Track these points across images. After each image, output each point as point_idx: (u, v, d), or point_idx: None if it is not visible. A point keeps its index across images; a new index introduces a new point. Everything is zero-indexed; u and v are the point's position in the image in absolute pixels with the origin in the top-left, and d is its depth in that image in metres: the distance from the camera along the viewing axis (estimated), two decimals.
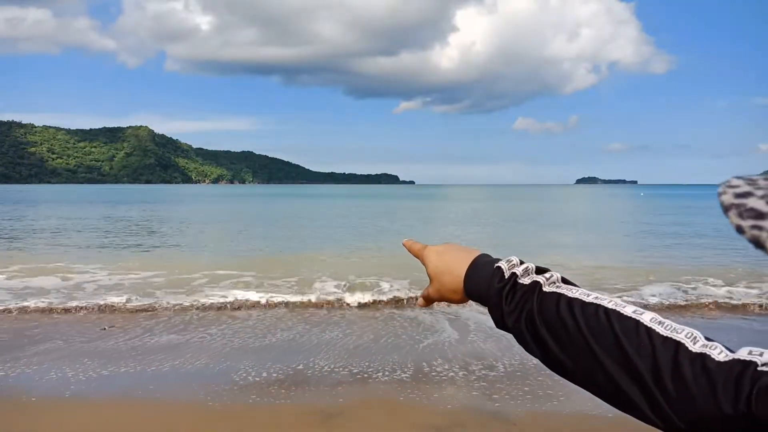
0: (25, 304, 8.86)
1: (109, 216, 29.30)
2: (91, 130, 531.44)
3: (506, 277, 0.80)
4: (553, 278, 0.78)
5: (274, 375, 5.60)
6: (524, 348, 0.77)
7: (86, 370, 5.66)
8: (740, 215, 0.53)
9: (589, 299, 0.71)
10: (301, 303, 9.04)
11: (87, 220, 26.87)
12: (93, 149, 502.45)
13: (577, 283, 0.78)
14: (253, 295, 9.51)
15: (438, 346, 6.64)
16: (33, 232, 22.21)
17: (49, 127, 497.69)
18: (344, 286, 10.27)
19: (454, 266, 0.87)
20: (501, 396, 5.04)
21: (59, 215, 31.35)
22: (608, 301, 0.70)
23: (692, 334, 0.61)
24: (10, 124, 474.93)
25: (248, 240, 20.02)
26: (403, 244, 1.01)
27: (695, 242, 19.15)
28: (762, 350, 0.57)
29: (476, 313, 8.49)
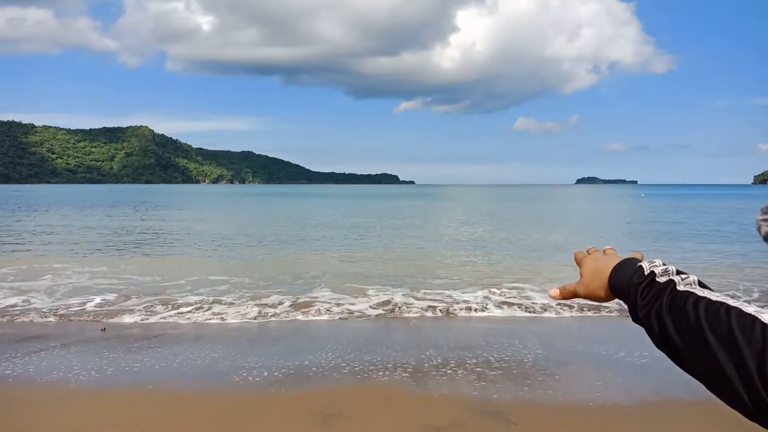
0: (27, 306, 8.87)
1: (122, 226, 29.28)
2: (91, 130, 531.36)
3: (645, 274, 0.87)
4: (689, 279, 0.83)
5: (274, 375, 5.60)
6: (652, 340, 0.83)
7: (88, 368, 5.66)
8: None
9: (717, 298, 0.75)
10: (304, 303, 9.04)
11: (102, 232, 26.82)
12: (93, 149, 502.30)
13: (713, 288, 0.81)
14: (253, 297, 9.51)
15: (438, 347, 6.64)
16: (38, 241, 22.19)
17: (50, 126, 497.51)
18: (346, 287, 10.26)
19: (605, 268, 0.97)
20: (501, 396, 5.04)
21: (65, 224, 31.27)
22: (734, 301, 0.73)
23: None
24: (11, 124, 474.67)
25: (259, 239, 20.01)
26: (574, 255, 1.10)
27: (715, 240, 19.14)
28: None
29: (475, 314, 8.49)
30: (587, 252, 1.08)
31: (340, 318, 8.16)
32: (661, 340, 0.80)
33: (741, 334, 0.66)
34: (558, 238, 21.09)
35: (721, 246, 17.78)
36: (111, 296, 9.48)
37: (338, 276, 11.70)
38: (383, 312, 8.51)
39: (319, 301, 9.13)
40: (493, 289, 10.16)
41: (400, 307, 8.77)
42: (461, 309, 8.70)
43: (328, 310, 8.54)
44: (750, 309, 0.70)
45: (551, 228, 26.04)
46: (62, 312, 8.32)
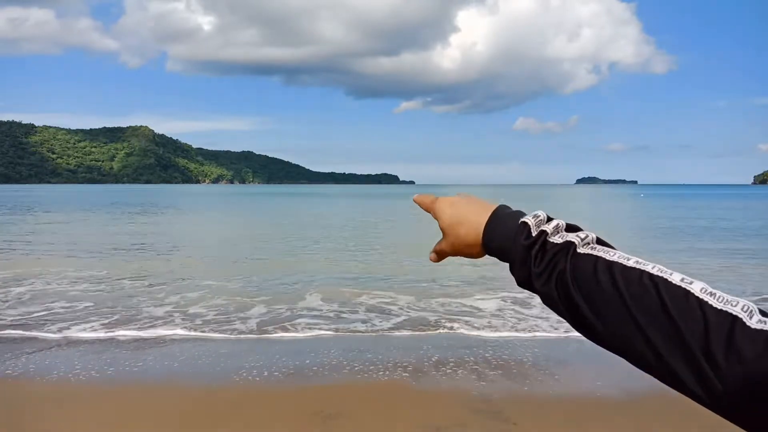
0: (28, 308, 8.87)
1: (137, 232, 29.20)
2: (91, 130, 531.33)
3: (533, 234, 0.73)
4: (588, 239, 0.71)
5: (274, 375, 5.61)
6: (552, 309, 0.71)
7: (90, 368, 5.67)
8: None
9: (630, 263, 0.65)
10: (305, 305, 9.04)
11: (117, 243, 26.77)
12: (93, 149, 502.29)
13: (613, 245, 0.71)
14: (252, 296, 9.51)
15: (437, 346, 6.65)
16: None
17: (50, 126, 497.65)
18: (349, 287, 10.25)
19: (472, 217, 0.81)
20: (501, 396, 5.05)
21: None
22: (652, 267, 0.64)
23: (748, 308, 0.56)
24: (11, 124, 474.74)
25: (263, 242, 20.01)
26: (414, 200, 0.93)
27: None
28: None
29: (474, 312, 8.49)
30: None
31: (340, 317, 8.15)
32: (568, 313, 0.69)
33: (676, 311, 0.58)
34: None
35: (720, 246, 17.78)
36: (111, 298, 9.48)
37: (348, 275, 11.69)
38: (384, 312, 8.51)
39: (314, 316, 9.13)
40: (494, 290, 10.16)
41: (401, 308, 8.77)
42: (461, 308, 8.71)
43: (328, 310, 8.54)
44: (675, 278, 0.61)
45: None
46: (63, 312, 8.33)
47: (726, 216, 34.47)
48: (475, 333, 7.30)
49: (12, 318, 7.93)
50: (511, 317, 8.27)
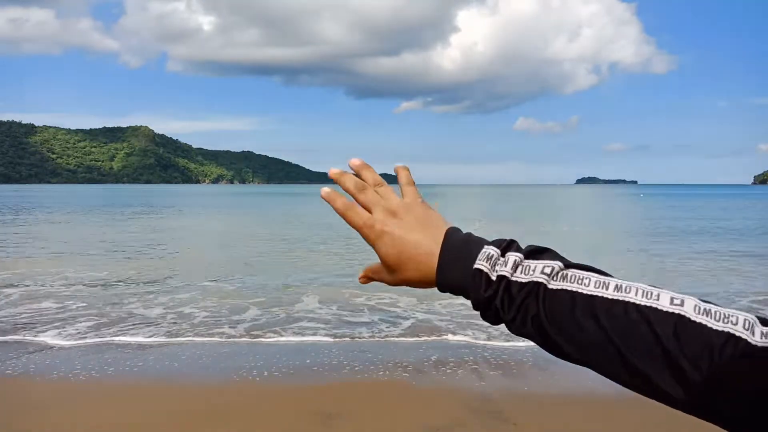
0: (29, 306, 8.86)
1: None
2: (91, 130, 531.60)
3: (493, 280, 0.63)
4: (554, 269, 0.62)
5: (275, 375, 5.61)
6: (531, 341, 0.64)
7: (90, 368, 5.68)
8: None
9: (610, 293, 0.58)
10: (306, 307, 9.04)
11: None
12: (93, 149, 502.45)
13: (584, 265, 0.63)
14: (253, 297, 9.51)
15: (437, 346, 6.65)
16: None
17: (50, 126, 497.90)
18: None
19: (419, 257, 0.68)
20: (501, 396, 5.05)
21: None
22: (635, 292, 0.57)
23: (749, 323, 0.52)
24: (11, 124, 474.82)
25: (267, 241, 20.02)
26: (326, 197, 0.75)
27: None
28: None
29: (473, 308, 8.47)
30: (352, 193, 0.74)
31: (340, 317, 8.15)
32: (551, 351, 0.63)
33: (675, 345, 0.53)
34: (558, 237, 21.07)
35: (719, 245, 17.78)
36: (111, 299, 9.48)
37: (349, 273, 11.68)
38: (384, 312, 8.51)
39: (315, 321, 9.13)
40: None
41: (400, 308, 8.78)
42: (461, 310, 8.70)
43: (328, 310, 8.54)
44: (664, 302, 0.55)
45: (550, 227, 26.02)
46: (65, 312, 8.33)
47: (726, 216, 34.47)
48: (474, 333, 7.29)
49: (11, 318, 7.94)
50: None
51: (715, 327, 0.52)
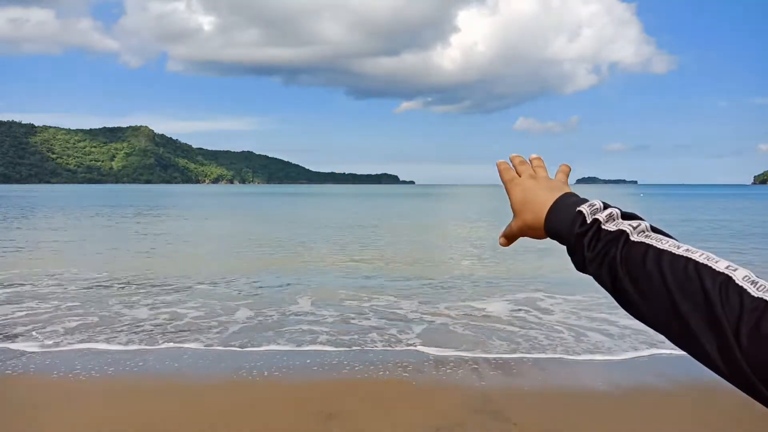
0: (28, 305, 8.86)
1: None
2: (91, 129, 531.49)
3: (588, 222, 0.78)
4: (641, 227, 0.74)
5: (275, 374, 5.61)
6: (604, 288, 0.76)
7: (90, 368, 5.68)
8: None
9: (680, 252, 0.68)
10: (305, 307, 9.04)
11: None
12: (93, 149, 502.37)
13: (668, 233, 0.75)
14: (252, 297, 9.50)
15: (438, 346, 6.65)
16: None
17: (50, 126, 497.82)
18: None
19: (537, 204, 0.88)
20: (501, 396, 5.05)
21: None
22: (700, 254, 0.67)
23: None
24: (10, 124, 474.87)
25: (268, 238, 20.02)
26: (497, 165, 0.99)
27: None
28: None
29: (472, 311, 8.49)
30: (514, 166, 0.97)
31: (339, 317, 8.15)
32: (616, 296, 0.74)
33: (716, 297, 0.61)
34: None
35: (720, 245, 17.78)
36: (112, 298, 9.47)
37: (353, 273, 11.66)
38: (383, 312, 8.51)
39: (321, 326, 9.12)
40: (497, 291, 10.16)
41: (400, 308, 8.77)
42: (462, 308, 8.71)
43: (328, 310, 8.55)
44: (721, 266, 0.64)
45: None
46: (66, 311, 8.33)
47: (726, 216, 34.48)
48: (474, 333, 7.29)
49: (10, 317, 7.94)
50: (513, 317, 8.26)
51: (754, 293, 0.60)
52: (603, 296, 9.57)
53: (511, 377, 5.58)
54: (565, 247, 0.82)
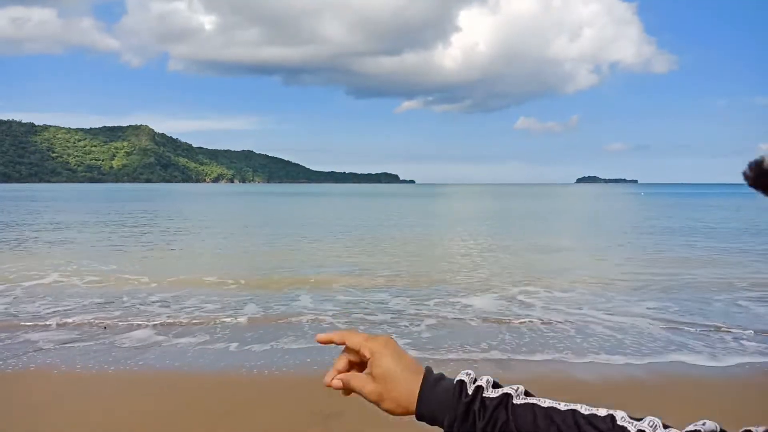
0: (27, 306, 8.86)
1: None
2: (91, 129, 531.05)
3: (470, 392, 0.80)
4: (520, 390, 0.79)
5: (274, 374, 5.61)
6: None
7: (90, 367, 5.68)
8: None
9: (562, 407, 0.75)
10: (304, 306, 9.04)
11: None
12: (93, 148, 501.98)
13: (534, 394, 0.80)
14: (252, 298, 9.50)
15: (437, 346, 6.65)
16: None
17: (50, 125, 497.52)
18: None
19: (407, 379, 0.83)
20: None
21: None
22: (581, 407, 0.75)
23: (653, 423, 0.73)
24: (11, 123, 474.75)
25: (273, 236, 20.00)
26: (318, 340, 0.94)
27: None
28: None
29: (473, 311, 8.48)
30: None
31: (338, 317, 8.15)
32: None
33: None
34: (560, 240, 21.06)
35: (717, 243, 17.77)
36: (110, 298, 9.48)
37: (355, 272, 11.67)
38: (384, 311, 8.51)
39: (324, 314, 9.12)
40: (498, 292, 10.16)
41: (399, 307, 8.78)
42: (464, 315, 8.71)
43: (328, 310, 8.55)
44: (602, 412, 0.74)
45: (551, 227, 26.00)
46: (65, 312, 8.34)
47: (725, 215, 34.47)
48: (473, 332, 7.29)
49: (9, 315, 7.94)
50: (513, 317, 8.26)
51: (633, 430, 0.73)
52: (603, 296, 9.57)
53: (512, 378, 5.57)
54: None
